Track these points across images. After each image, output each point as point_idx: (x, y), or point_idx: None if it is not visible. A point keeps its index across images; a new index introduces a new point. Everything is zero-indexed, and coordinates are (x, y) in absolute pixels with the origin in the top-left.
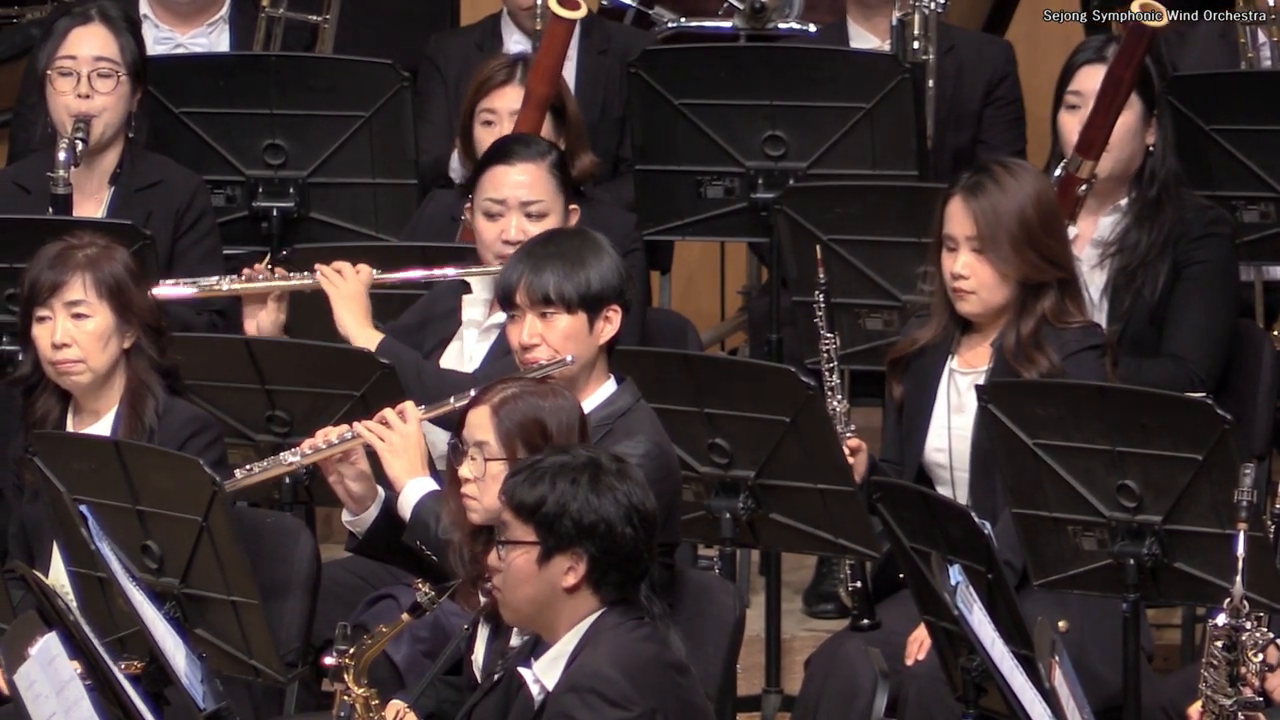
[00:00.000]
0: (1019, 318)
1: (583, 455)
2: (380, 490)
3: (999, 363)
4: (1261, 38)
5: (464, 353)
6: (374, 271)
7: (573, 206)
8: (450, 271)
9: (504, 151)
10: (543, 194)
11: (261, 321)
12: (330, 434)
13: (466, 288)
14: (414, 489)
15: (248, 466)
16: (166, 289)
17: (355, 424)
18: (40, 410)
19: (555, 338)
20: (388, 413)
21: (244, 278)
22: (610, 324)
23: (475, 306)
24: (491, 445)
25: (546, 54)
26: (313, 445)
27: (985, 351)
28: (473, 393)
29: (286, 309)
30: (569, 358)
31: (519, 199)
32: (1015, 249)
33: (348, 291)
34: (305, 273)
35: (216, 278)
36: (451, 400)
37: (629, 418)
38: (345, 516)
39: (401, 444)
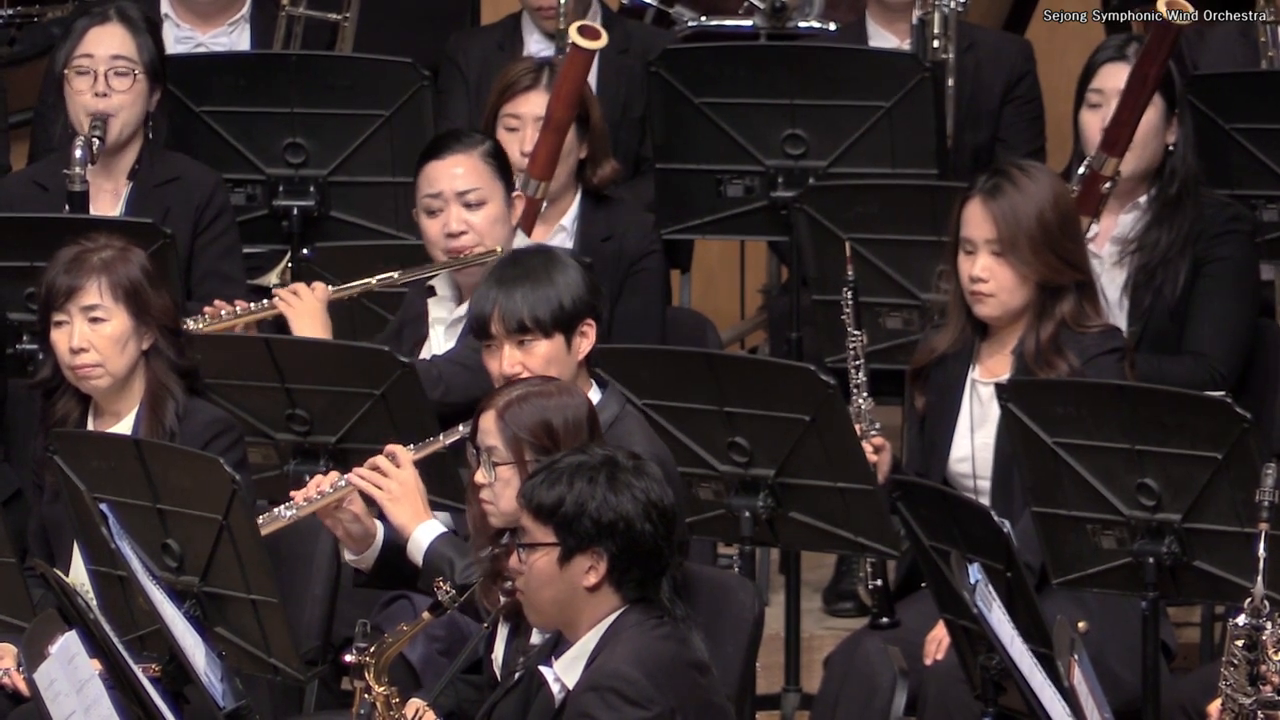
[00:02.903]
0: (1038, 321)
1: (599, 454)
2: (379, 526)
3: (1020, 369)
4: None
5: (433, 352)
6: (329, 288)
7: (516, 194)
8: (396, 275)
9: (435, 147)
10: (478, 181)
11: None
12: (323, 483)
13: (431, 291)
14: (423, 535)
15: None
16: None
17: (351, 474)
18: (60, 412)
19: (536, 364)
20: (380, 460)
21: (207, 317)
22: (586, 339)
23: (440, 305)
24: (499, 450)
25: (566, 80)
26: (306, 497)
27: (1006, 360)
28: (461, 428)
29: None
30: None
31: (455, 190)
32: (1035, 251)
33: (305, 310)
34: (265, 300)
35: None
36: (441, 437)
37: (618, 428)
38: (347, 556)
39: (400, 490)
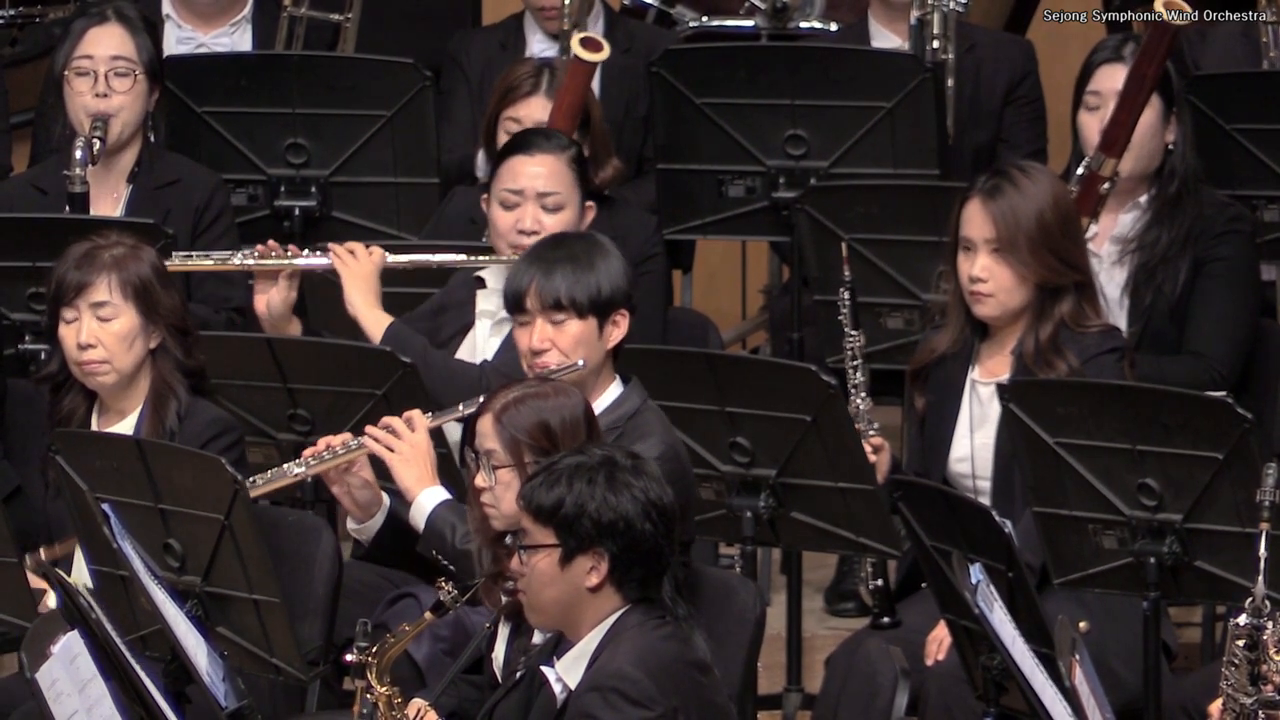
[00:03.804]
0: (1038, 322)
1: (598, 454)
2: (385, 497)
3: (1019, 369)
4: None
5: (476, 346)
6: (387, 255)
7: (589, 204)
8: (461, 256)
9: (524, 143)
10: (560, 186)
11: (272, 299)
12: (334, 442)
13: (481, 283)
14: (427, 499)
15: (251, 479)
16: (180, 261)
17: (364, 433)
18: (66, 409)
19: (566, 343)
20: (394, 421)
21: (258, 254)
22: (618, 328)
23: (489, 299)
24: (498, 453)
25: (568, 92)
26: (317, 454)
27: (1005, 360)
28: (481, 399)
29: (297, 288)
30: (580, 362)
31: (536, 189)
32: (1034, 251)
33: (360, 272)
34: (319, 252)
35: (230, 252)
36: (460, 406)
37: (639, 420)
38: (350, 524)
39: (411, 453)
